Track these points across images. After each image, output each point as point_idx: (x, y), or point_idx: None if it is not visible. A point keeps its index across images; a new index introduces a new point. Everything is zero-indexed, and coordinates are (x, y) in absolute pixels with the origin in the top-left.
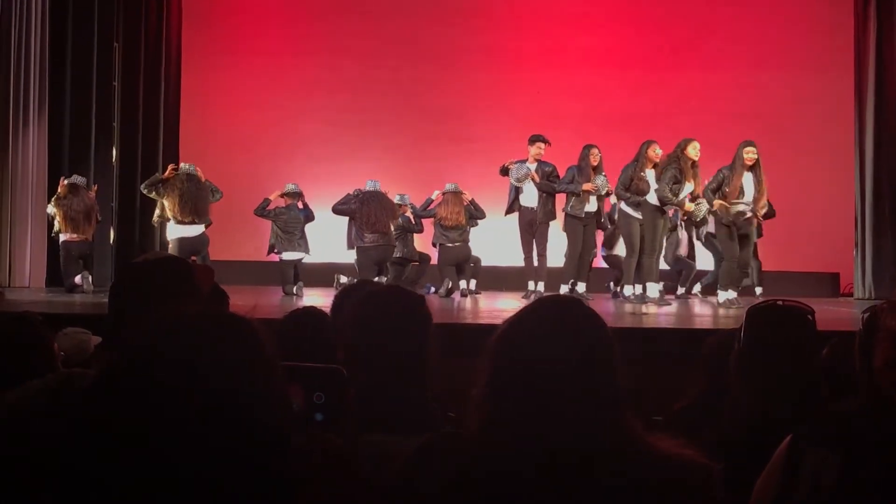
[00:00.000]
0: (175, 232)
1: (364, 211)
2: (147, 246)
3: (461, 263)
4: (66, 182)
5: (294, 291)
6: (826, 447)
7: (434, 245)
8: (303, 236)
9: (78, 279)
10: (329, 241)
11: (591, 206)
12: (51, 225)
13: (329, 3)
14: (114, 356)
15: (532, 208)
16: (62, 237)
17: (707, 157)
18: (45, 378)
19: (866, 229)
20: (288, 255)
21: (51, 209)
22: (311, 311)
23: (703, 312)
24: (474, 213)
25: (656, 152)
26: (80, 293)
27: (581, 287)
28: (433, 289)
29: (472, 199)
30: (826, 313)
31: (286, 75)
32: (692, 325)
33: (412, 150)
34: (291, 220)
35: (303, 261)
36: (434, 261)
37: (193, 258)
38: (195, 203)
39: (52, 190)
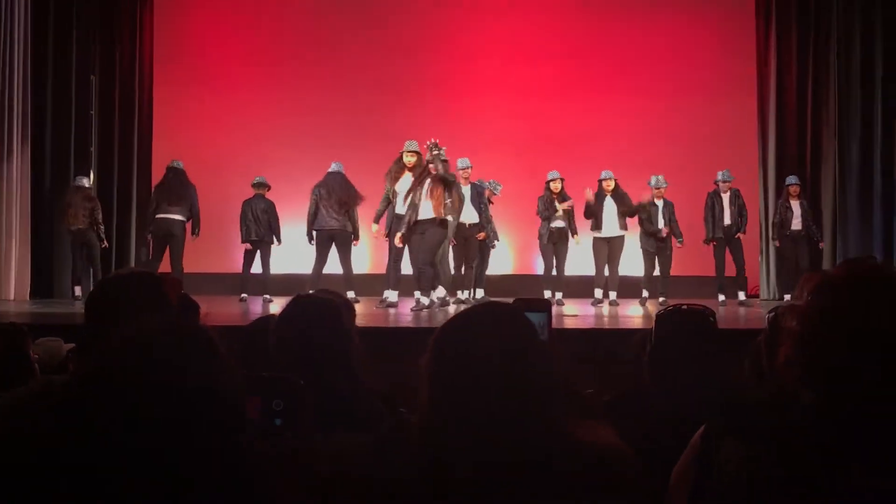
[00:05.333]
0: (158, 213)
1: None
2: (123, 262)
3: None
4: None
5: (244, 298)
6: (734, 436)
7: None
8: (268, 227)
9: (78, 291)
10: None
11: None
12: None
13: (291, 38)
14: (85, 363)
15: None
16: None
17: (636, 173)
18: (29, 384)
19: (769, 239)
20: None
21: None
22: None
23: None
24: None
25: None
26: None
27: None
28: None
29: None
30: (738, 312)
31: (251, 104)
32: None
33: (369, 170)
34: (256, 210)
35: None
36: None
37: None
38: (170, 192)
39: (35, 210)
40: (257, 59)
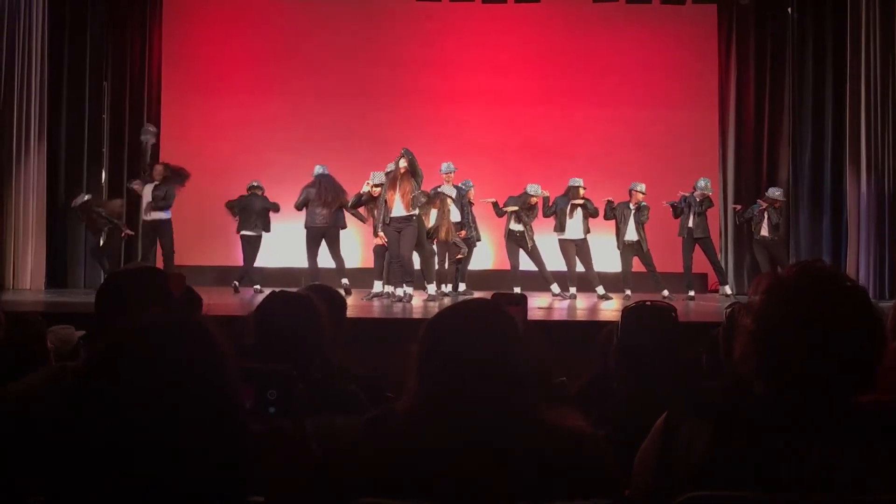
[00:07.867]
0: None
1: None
2: (131, 256)
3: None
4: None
5: (238, 285)
6: (698, 418)
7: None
8: (259, 219)
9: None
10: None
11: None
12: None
13: (288, 49)
14: (93, 352)
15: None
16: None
17: (601, 179)
18: (42, 370)
19: (728, 239)
20: (244, 232)
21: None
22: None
23: None
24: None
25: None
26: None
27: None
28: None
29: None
30: (699, 307)
31: (252, 110)
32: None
33: (359, 174)
34: (248, 204)
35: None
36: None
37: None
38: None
39: (50, 207)
40: (257, 68)
